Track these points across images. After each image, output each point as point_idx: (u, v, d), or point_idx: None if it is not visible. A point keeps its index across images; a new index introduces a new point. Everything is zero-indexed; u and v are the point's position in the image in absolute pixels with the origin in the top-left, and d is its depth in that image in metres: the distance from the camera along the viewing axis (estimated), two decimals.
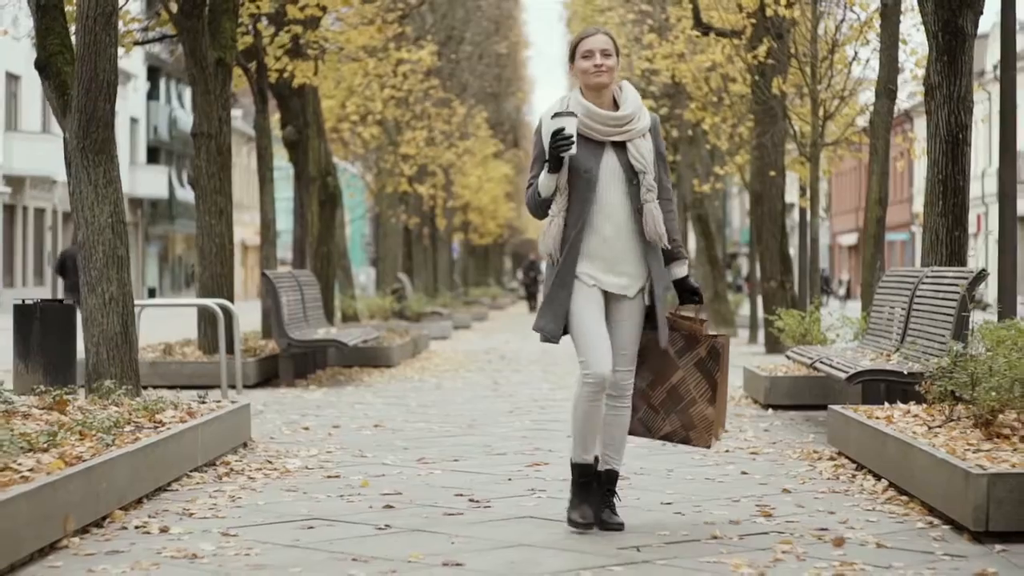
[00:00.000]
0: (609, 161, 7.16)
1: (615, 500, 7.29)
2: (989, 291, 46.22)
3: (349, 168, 46.25)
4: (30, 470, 6.88)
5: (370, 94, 31.42)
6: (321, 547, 6.71)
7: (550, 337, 7.13)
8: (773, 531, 7.14)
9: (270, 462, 9.72)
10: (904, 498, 8.05)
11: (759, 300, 25.73)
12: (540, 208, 7.19)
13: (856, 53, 21.30)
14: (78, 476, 7.01)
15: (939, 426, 8.75)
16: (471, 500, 8.10)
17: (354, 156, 36.87)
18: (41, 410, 9.17)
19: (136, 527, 7.22)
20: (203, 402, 10.50)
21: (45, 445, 7.57)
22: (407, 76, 32.75)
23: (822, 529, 7.17)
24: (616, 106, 7.27)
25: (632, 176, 7.15)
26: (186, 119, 74.85)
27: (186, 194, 75.09)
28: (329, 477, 9.08)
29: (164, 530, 7.13)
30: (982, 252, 58.76)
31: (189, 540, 6.87)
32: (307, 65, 21.28)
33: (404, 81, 32.65)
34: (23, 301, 11.51)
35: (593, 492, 7.18)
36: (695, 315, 7.34)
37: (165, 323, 28.51)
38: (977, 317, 11.44)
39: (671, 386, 7.32)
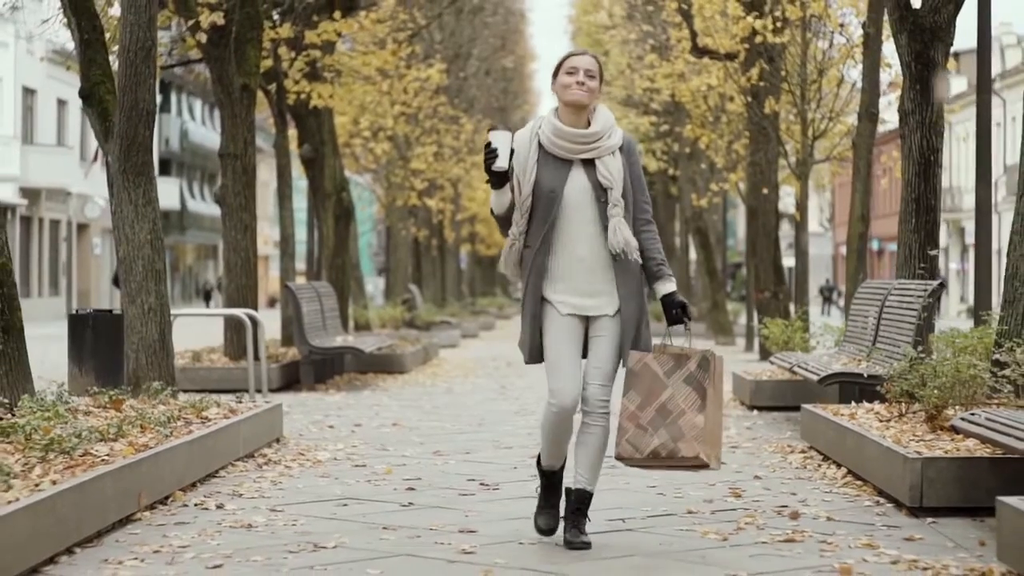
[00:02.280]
0: (577, 179, 7.09)
1: (585, 520, 7.17)
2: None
3: (359, 180, 47.42)
4: (107, 455, 8.09)
5: (381, 111, 32.57)
6: (356, 519, 7.93)
7: (529, 359, 7.20)
8: (740, 508, 8.35)
9: (302, 454, 10.93)
10: (859, 482, 9.25)
11: (754, 309, 26.87)
12: (501, 227, 7.20)
13: (843, 76, 22.50)
14: (147, 461, 8.23)
15: (893, 420, 9.95)
16: (482, 484, 9.32)
17: (365, 170, 38.01)
18: (98, 408, 10.36)
19: (195, 504, 8.44)
20: (240, 402, 11.71)
21: (114, 435, 8.76)
22: (417, 93, 33.91)
23: (782, 506, 8.37)
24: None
25: (602, 194, 7.07)
26: (196, 131, 76.12)
27: (197, 205, 76.35)
28: (356, 466, 10.29)
29: (220, 507, 8.36)
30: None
31: (243, 514, 8.09)
32: (324, 87, 22.49)
33: (414, 98, 33.81)
34: (76, 311, 12.73)
35: (558, 496, 7.30)
36: (686, 347, 7.10)
37: (185, 331, 29.63)
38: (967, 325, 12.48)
39: (660, 404, 7.04)
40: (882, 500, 8.58)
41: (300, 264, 38.52)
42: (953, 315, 59.53)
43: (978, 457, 8.15)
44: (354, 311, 27.98)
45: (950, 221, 66.45)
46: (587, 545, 7.04)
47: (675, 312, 7.11)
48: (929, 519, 7.90)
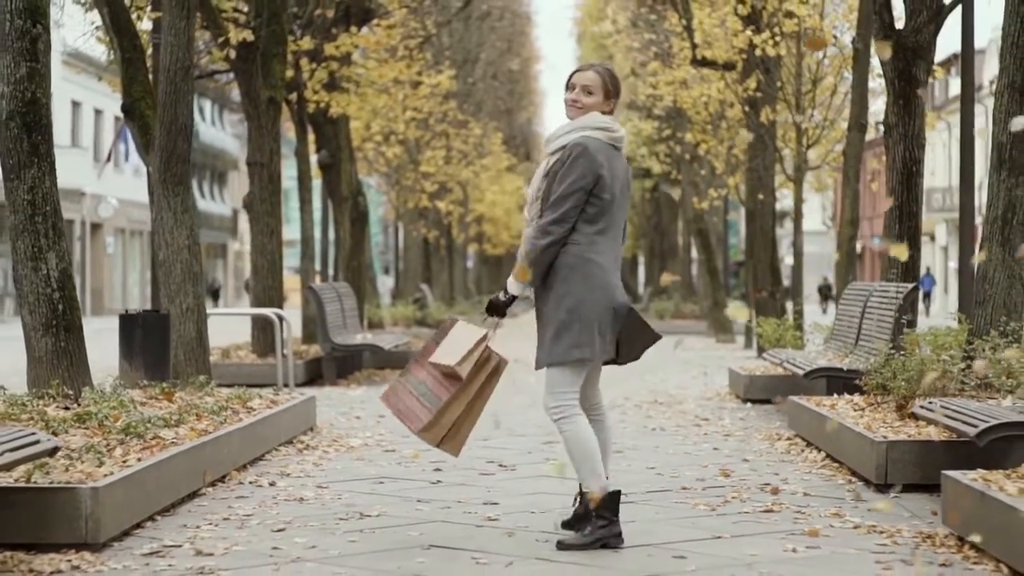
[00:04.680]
0: None
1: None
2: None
3: (369, 183, 48.57)
4: (174, 438, 9.24)
5: (393, 116, 33.71)
6: (392, 494, 9.12)
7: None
8: (728, 485, 9.51)
9: (336, 441, 12.10)
10: (836, 465, 10.41)
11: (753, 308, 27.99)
12: None
13: (836, 86, 23.63)
14: (209, 444, 9.41)
15: (868, 410, 11.10)
16: (500, 465, 10.50)
17: (377, 173, 39.12)
18: (150, 399, 11.51)
19: (250, 482, 9.62)
20: (277, 394, 12.87)
21: (176, 422, 9.90)
22: (427, 99, 35.04)
23: (765, 484, 9.53)
24: None
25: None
26: (205, 132, 77.17)
27: (206, 205, 77.39)
28: (386, 451, 11.47)
29: (272, 484, 9.53)
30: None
31: (293, 490, 9.27)
32: (343, 97, 23.66)
33: (425, 103, 34.94)
34: (126, 311, 13.88)
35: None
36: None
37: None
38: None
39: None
40: (854, 479, 9.74)
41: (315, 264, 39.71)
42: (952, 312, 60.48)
43: (936, 441, 9.31)
44: (368, 310, 29.13)
45: (949, 220, 67.51)
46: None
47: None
48: (892, 494, 9.05)
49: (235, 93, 46.98)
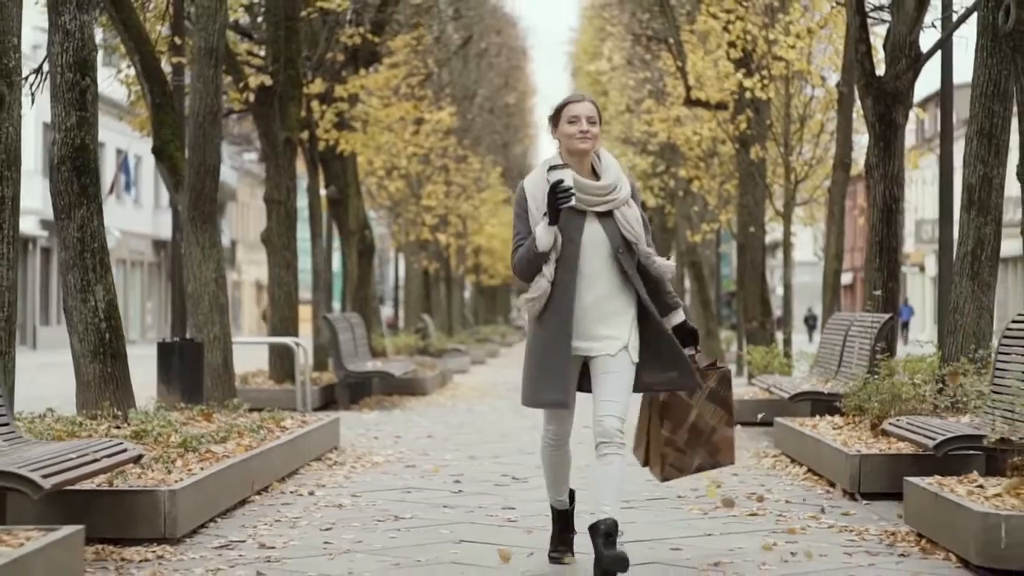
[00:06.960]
0: (592, 230, 7.27)
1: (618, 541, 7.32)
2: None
3: (371, 215, 49.57)
4: (224, 453, 10.35)
5: (395, 151, 34.80)
6: (420, 501, 10.25)
7: (559, 405, 7.41)
8: (719, 494, 10.62)
9: (360, 458, 13.22)
10: (816, 477, 11.55)
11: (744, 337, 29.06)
12: (532, 265, 7.24)
13: (823, 125, 24.76)
14: (255, 457, 10.54)
15: (845, 428, 12.23)
16: (514, 478, 11.63)
17: (380, 207, 40.20)
18: (189, 420, 12.60)
19: (291, 492, 10.75)
20: (305, 415, 13.99)
21: (222, 439, 11.00)
22: (429, 135, 36.15)
23: (752, 493, 10.66)
24: (595, 174, 7.37)
25: (618, 244, 7.28)
26: None
27: None
28: (408, 466, 12.60)
29: (311, 493, 10.67)
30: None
31: (331, 498, 10.41)
32: (352, 136, 24.83)
33: (426, 139, 36.03)
34: (164, 340, 15.00)
35: (570, 530, 7.86)
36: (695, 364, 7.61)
37: None
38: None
39: (690, 424, 7.65)
40: (831, 489, 10.89)
41: (306, 293, 40.64)
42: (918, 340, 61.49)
43: (904, 454, 10.46)
44: (372, 339, 30.18)
45: (938, 252, 68.66)
46: (625, 560, 7.14)
47: (687, 338, 7.55)
48: (864, 501, 10.19)
49: (235, 128, 48.10)
